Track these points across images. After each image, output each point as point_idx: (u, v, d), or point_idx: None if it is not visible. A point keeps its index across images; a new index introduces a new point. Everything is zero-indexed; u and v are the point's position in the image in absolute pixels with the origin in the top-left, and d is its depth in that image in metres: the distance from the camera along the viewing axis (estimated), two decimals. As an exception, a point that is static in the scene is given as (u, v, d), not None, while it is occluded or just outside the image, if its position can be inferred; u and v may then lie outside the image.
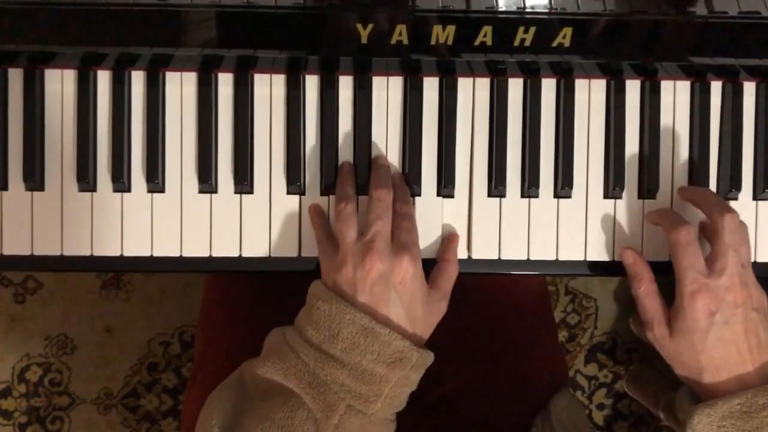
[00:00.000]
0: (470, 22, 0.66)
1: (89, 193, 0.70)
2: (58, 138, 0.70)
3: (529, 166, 0.72)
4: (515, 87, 0.72)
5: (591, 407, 1.50)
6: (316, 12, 0.66)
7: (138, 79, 0.71)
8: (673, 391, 0.73)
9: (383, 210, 0.66)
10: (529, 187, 0.72)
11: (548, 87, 0.72)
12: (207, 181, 0.70)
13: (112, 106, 0.70)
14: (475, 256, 0.72)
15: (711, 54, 0.70)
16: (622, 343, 1.50)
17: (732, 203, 0.74)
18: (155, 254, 0.70)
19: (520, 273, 0.73)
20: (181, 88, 0.71)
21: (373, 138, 0.72)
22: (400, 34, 0.66)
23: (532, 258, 0.72)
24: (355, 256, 0.64)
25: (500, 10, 0.66)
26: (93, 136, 0.70)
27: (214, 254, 0.71)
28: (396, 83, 0.72)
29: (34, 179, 0.69)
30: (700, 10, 0.67)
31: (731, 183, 0.73)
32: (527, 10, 0.66)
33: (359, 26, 0.66)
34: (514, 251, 0.72)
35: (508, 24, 0.66)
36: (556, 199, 0.73)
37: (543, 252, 0.72)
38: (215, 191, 0.71)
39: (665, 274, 0.68)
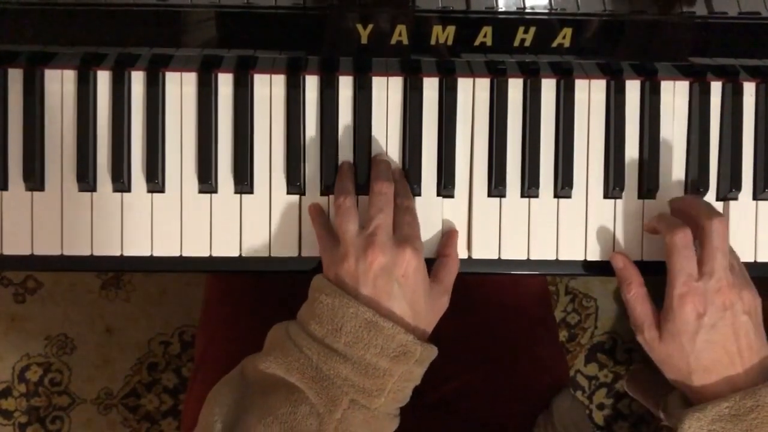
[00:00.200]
0: (470, 22, 0.66)
1: (89, 193, 0.70)
2: (58, 138, 0.70)
3: (529, 166, 0.72)
4: (515, 87, 0.72)
5: (591, 407, 1.50)
6: (316, 12, 0.66)
7: (138, 79, 0.71)
8: (673, 391, 0.73)
9: (385, 203, 0.66)
10: (529, 187, 0.72)
11: (548, 87, 0.72)
12: (207, 181, 0.70)
13: (112, 106, 0.70)
14: (475, 256, 0.72)
15: (711, 54, 0.70)
16: (622, 343, 1.50)
17: (732, 203, 0.74)
18: (155, 254, 0.70)
19: (520, 273, 0.73)
20: (181, 88, 0.71)
21: (373, 138, 0.72)
22: (400, 34, 0.66)
23: (532, 258, 0.72)
24: (357, 249, 0.64)
25: (500, 10, 0.66)
26: (93, 136, 0.70)
27: (214, 254, 0.71)
28: (396, 83, 0.72)
29: (34, 179, 0.69)
30: (700, 10, 0.67)
31: (731, 183, 0.73)
32: (527, 10, 0.66)
33: (359, 26, 0.66)
34: (514, 251, 0.72)
35: (508, 24, 0.66)
36: (556, 199, 0.73)
37: (543, 252, 0.72)
38: (215, 191, 0.71)
39: (665, 274, 0.68)
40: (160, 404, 1.47)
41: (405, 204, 0.68)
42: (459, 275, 0.69)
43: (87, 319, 1.46)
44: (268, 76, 0.71)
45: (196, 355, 0.90)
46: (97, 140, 0.70)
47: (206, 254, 0.71)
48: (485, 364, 0.85)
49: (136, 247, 0.70)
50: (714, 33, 0.68)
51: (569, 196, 0.73)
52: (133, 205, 0.70)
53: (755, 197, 0.74)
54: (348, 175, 0.70)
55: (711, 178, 0.73)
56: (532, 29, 0.66)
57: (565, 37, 0.67)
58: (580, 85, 0.73)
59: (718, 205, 0.73)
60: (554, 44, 0.67)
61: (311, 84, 0.71)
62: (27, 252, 0.70)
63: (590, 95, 0.73)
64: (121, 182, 0.70)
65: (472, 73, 0.72)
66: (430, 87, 0.72)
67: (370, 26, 0.66)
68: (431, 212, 0.72)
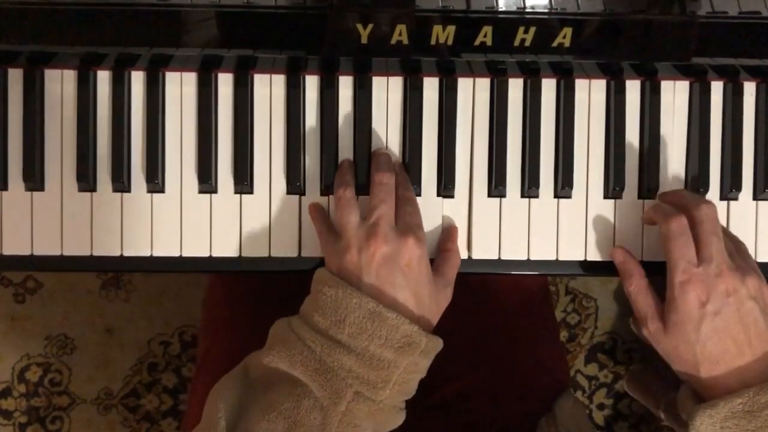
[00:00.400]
0: (470, 22, 0.66)
1: (89, 193, 0.70)
2: (58, 138, 0.70)
3: (529, 166, 0.72)
4: (515, 87, 0.72)
5: (591, 407, 1.50)
6: (316, 12, 0.66)
7: (138, 79, 0.71)
8: (674, 391, 0.72)
9: (386, 193, 0.66)
10: (529, 187, 0.72)
11: (548, 87, 0.72)
12: (207, 181, 0.70)
13: (112, 106, 0.70)
14: (475, 256, 0.72)
15: (711, 54, 0.70)
16: (622, 343, 1.50)
17: (732, 203, 0.74)
18: (155, 254, 0.70)
19: (520, 273, 0.73)
20: (181, 88, 0.71)
21: (373, 138, 0.72)
22: (400, 34, 0.66)
23: (532, 258, 0.72)
24: (359, 239, 0.63)
25: (500, 10, 0.66)
26: (93, 137, 0.70)
27: (214, 254, 0.71)
28: (396, 83, 0.72)
29: (34, 179, 0.69)
30: (700, 10, 0.67)
31: (731, 183, 0.73)
32: (527, 10, 0.66)
33: (359, 26, 0.66)
34: (514, 251, 0.72)
35: (508, 24, 0.66)
36: (556, 199, 0.73)
37: (543, 252, 0.72)
38: (215, 191, 0.71)
39: (665, 274, 0.68)
40: (160, 404, 1.47)
41: (406, 195, 0.68)
42: (459, 276, 0.69)
43: (87, 319, 1.46)
44: (268, 76, 0.71)
45: (198, 356, 0.90)
46: (97, 140, 0.70)
47: (206, 254, 0.71)
48: (486, 364, 0.85)
49: (136, 247, 0.70)
50: (714, 33, 0.68)
51: (569, 196, 0.73)
52: (133, 205, 0.70)
53: (755, 197, 0.74)
54: (348, 169, 0.70)
55: (711, 178, 0.73)
56: (532, 29, 0.66)
57: (565, 37, 0.67)
58: (580, 85, 0.73)
59: (719, 205, 0.73)
60: (554, 44, 0.67)
61: (311, 84, 0.71)
62: (27, 252, 0.70)
63: (590, 95, 0.73)
64: (121, 182, 0.70)
65: (472, 73, 0.72)
66: (430, 87, 0.72)
67: (370, 26, 0.66)
68: (431, 212, 0.71)
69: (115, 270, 0.77)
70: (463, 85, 0.72)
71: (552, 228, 0.72)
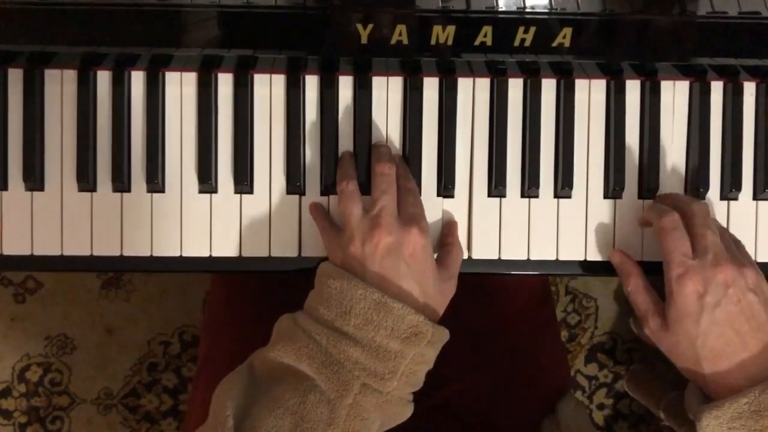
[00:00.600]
0: (470, 22, 0.66)
1: (89, 193, 0.70)
2: (58, 138, 0.70)
3: (529, 166, 0.72)
4: (515, 87, 0.72)
5: (591, 407, 1.50)
6: (316, 12, 0.66)
7: (138, 79, 0.71)
8: (674, 390, 0.72)
9: (388, 184, 0.66)
10: (529, 187, 0.72)
11: (548, 87, 0.72)
12: (207, 181, 0.70)
13: (112, 106, 0.70)
14: (475, 256, 0.72)
15: (711, 54, 0.70)
16: (622, 343, 1.50)
17: (732, 203, 0.74)
18: (155, 254, 0.70)
19: (520, 273, 0.73)
20: (181, 88, 0.71)
21: (373, 138, 0.72)
22: (400, 34, 0.66)
23: (532, 258, 0.72)
24: (363, 231, 0.63)
25: (500, 10, 0.66)
26: (93, 137, 0.70)
27: (214, 254, 0.71)
28: (396, 83, 0.72)
29: (34, 179, 0.69)
30: (700, 10, 0.67)
31: (731, 183, 0.73)
32: (527, 10, 0.66)
33: (359, 26, 0.66)
34: (514, 251, 0.72)
35: (508, 24, 0.66)
36: (556, 199, 0.73)
37: (543, 252, 0.72)
38: (215, 191, 0.71)
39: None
40: (160, 404, 1.47)
41: (407, 186, 0.68)
42: (460, 276, 0.69)
43: (87, 319, 1.46)
44: (268, 76, 0.71)
45: (200, 356, 0.90)
46: (97, 140, 0.70)
47: (206, 254, 0.71)
48: (487, 365, 0.85)
49: (136, 247, 0.70)
50: (714, 33, 0.68)
51: (569, 196, 0.73)
52: (133, 205, 0.70)
53: (755, 197, 0.74)
54: (349, 162, 0.70)
55: (711, 178, 0.73)
56: (532, 29, 0.66)
57: (565, 37, 0.67)
58: (580, 85, 0.73)
59: (719, 205, 0.73)
60: (554, 44, 0.67)
61: (311, 84, 0.71)
62: (27, 252, 0.70)
63: (590, 95, 0.73)
64: (121, 182, 0.70)
65: (472, 73, 0.72)
66: (430, 87, 0.72)
67: (370, 26, 0.66)
68: (431, 212, 0.71)
69: (115, 270, 0.77)
70: (463, 85, 0.72)
71: (552, 228, 0.72)
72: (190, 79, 0.71)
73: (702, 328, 0.63)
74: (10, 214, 0.70)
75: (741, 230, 0.73)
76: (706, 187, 0.73)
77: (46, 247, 0.70)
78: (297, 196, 0.71)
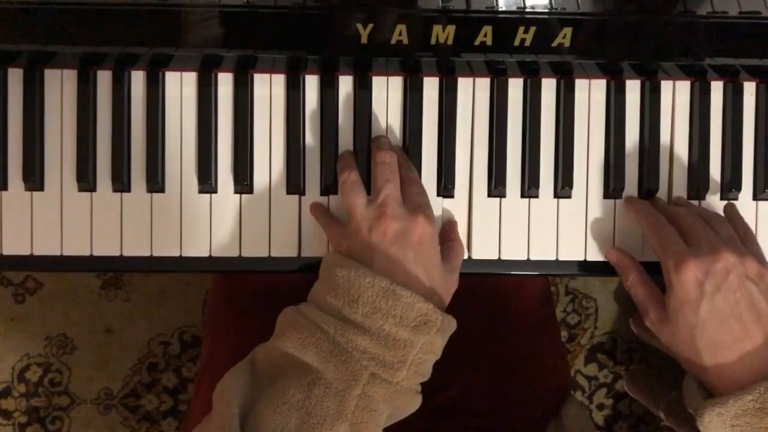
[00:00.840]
0: (470, 22, 0.66)
1: (89, 193, 0.70)
2: (58, 138, 0.70)
3: (529, 166, 0.72)
4: (515, 87, 0.72)
5: (591, 407, 1.50)
6: (316, 12, 0.66)
7: (138, 79, 0.71)
8: (674, 390, 0.72)
9: (390, 172, 0.65)
10: (529, 187, 0.72)
11: (548, 87, 0.72)
12: (207, 181, 0.70)
13: (112, 106, 0.70)
14: (475, 256, 0.72)
15: (711, 54, 0.70)
16: (622, 343, 1.50)
17: (732, 203, 0.74)
18: (155, 254, 0.70)
19: (520, 273, 0.73)
20: (181, 88, 0.71)
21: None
22: (400, 34, 0.66)
23: (532, 258, 0.72)
24: (369, 219, 0.63)
25: (500, 10, 0.66)
26: (93, 136, 0.70)
27: (214, 254, 0.71)
28: (396, 83, 0.72)
29: (34, 179, 0.69)
30: (700, 10, 0.67)
31: (731, 183, 0.73)
32: (527, 10, 0.66)
33: (359, 26, 0.66)
34: (514, 251, 0.72)
35: (508, 24, 0.66)
36: (556, 199, 0.73)
37: (543, 252, 0.72)
38: (215, 191, 0.71)
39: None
40: (160, 404, 1.47)
41: (410, 176, 0.68)
42: (461, 278, 0.69)
43: (87, 319, 1.46)
44: (268, 75, 0.71)
45: (203, 356, 0.89)
46: (97, 140, 0.70)
47: (206, 254, 0.71)
48: (488, 368, 0.85)
49: (136, 247, 0.70)
50: (714, 33, 0.68)
51: (569, 196, 0.73)
52: (133, 205, 0.70)
53: (755, 197, 0.74)
54: (349, 155, 0.70)
55: (711, 178, 0.73)
56: (532, 29, 0.66)
57: (565, 37, 0.67)
58: (580, 85, 0.73)
59: (719, 205, 0.73)
60: (554, 44, 0.67)
61: (311, 84, 0.71)
62: (27, 252, 0.70)
63: (590, 95, 0.73)
64: (121, 182, 0.70)
65: (472, 72, 0.72)
66: (430, 87, 0.72)
67: (371, 26, 0.66)
68: (431, 212, 0.71)
69: (115, 270, 0.77)
70: (463, 84, 0.72)
71: (552, 228, 0.72)
72: (190, 79, 0.71)
73: (701, 316, 0.62)
74: (10, 214, 0.70)
75: (741, 230, 0.73)
76: (706, 187, 0.73)
77: (46, 247, 0.70)
78: (297, 196, 0.71)
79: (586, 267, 0.73)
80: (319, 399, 0.58)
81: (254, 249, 0.71)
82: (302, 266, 0.71)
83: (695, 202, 0.73)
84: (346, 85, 0.72)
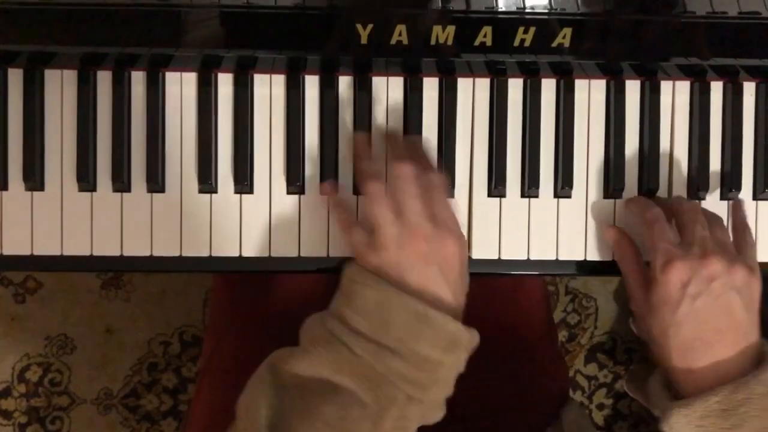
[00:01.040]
0: (470, 22, 0.66)
1: (89, 193, 0.70)
2: (58, 138, 0.70)
3: (529, 166, 0.72)
4: (515, 87, 0.72)
5: (591, 407, 1.50)
6: (316, 12, 0.66)
7: (138, 80, 0.71)
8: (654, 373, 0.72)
9: (410, 185, 0.63)
10: (529, 187, 0.72)
11: (548, 87, 0.72)
12: (207, 181, 0.70)
13: (112, 106, 0.70)
14: (475, 256, 0.72)
15: (711, 54, 0.70)
16: (622, 343, 1.50)
17: (732, 203, 0.74)
18: (155, 254, 0.70)
19: (519, 273, 0.73)
20: (181, 88, 0.71)
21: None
22: (400, 34, 0.66)
23: (532, 258, 0.72)
24: (397, 237, 0.61)
25: (500, 10, 0.66)
26: (93, 136, 0.70)
27: (214, 254, 0.71)
28: (396, 83, 0.72)
29: (34, 179, 0.69)
30: (701, 10, 0.67)
31: (731, 183, 0.73)
32: (527, 10, 0.66)
33: (359, 26, 0.66)
34: (514, 251, 0.72)
35: (508, 24, 0.66)
36: (556, 199, 0.73)
37: (543, 252, 0.72)
38: (215, 191, 0.71)
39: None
40: (160, 404, 1.47)
41: (433, 182, 0.64)
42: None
43: (87, 319, 1.46)
44: (268, 76, 0.71)
45: (204, 359, 0.89)
46: (97, 140, 0.70)
47: (206, 254, 0.71)
48: (487, 369, 0.84)
49: (136, 247, 0.70)
50: (714, 33, 0.68)
51: (569, 196, 0.73)
52: (133, 205, 0.70)
53: (755, 197, 0.74)
54: (368, 153, 0.68)
55: (711, 178, 0.73)
56: (532, 29, 0.66)
57: (565, 37, 0.67)
58: (580, 85, 0.73)
59: (719, 205, 0.73)
60: (554, 44, 0.67)
61: (311, 84, 0.71)
62: (27, 252, 0.70)
63: (590, 95, 0.73)
64: (121, 182, 0.70)
65: (472, 73, 0.72)
66: (430, 87, 0.72)
67: (370, 26, 0.66)
68: (431, 212, 0.71)
69: (115, 270, 0.76)
70: (463, 85, 0.72)
71: (552, 228, 0.72)
72: (190, 79, 0.71)
73: (677, 318, 0.62)
74: (10, 214, 0.70)
75: (741, 230, 0.73)
76: (706, 187, 0.73)
77: (46, 247, 0.70)
78: (297, 196, 0.71)
79: (586, 267, 0.73)
80: (356, 420, 0.58)
81: (254, 249, 0.71)
82: (303, 266, 0.71)
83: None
84: (346, 85, 0.72)
